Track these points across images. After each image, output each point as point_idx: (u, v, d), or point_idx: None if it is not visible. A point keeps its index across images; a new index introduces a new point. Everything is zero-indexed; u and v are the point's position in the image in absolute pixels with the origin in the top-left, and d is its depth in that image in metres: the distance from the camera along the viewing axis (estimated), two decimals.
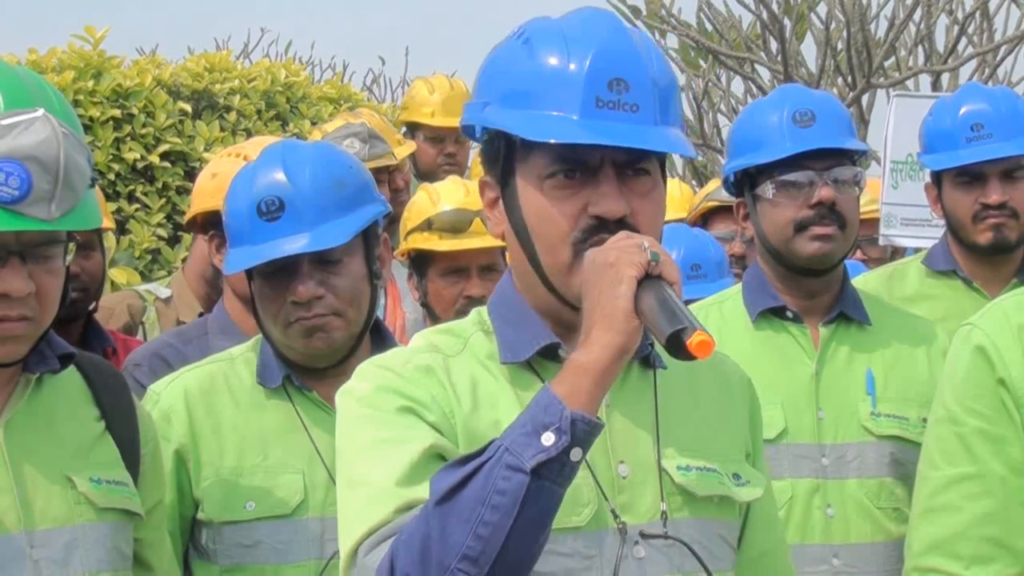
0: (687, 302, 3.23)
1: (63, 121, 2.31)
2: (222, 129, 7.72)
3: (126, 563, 2.53)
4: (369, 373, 2.16)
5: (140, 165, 7.38)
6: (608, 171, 2.10)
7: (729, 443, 2.27)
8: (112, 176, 7.26)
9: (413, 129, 6.08)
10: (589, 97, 2.08)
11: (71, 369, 2.55)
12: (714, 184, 5.65)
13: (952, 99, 4.01)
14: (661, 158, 2.17)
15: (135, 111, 7.37)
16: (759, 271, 3.46)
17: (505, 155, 2.16)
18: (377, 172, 4.19)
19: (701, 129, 12.53)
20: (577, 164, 2.10)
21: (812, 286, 3.41)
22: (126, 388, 2.64)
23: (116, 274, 5.97)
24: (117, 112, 7.31)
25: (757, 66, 12.81)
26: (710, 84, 13.24)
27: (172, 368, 3.35)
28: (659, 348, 2.20)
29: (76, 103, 7.00)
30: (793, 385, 3.34)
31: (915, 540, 2.33)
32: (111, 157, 7.25)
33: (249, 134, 7.73)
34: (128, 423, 2.59)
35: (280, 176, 2.98)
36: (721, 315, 3.46)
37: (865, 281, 3.93)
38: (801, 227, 3.33)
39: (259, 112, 8.05)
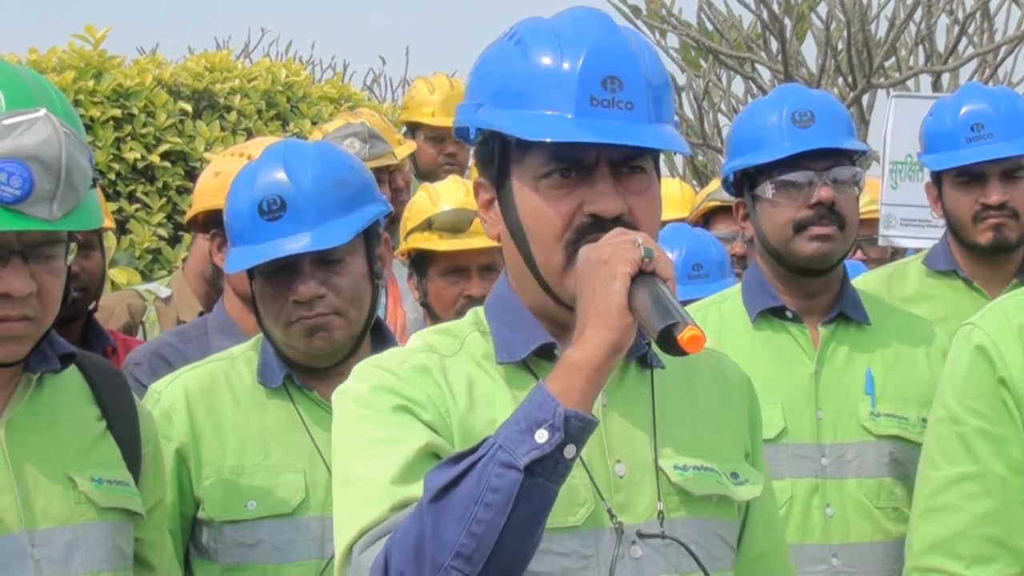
0: (688, 302, 3.22)
1: (65, 121, 2.31)
2: (222, 129, 7.72)
3: (127, 563, 2.53)
4: (365, 373, 2.16)
5: (140, 165, 7.38)
6: (604, 170, 2.10)
7: (727, 442, 2.27)
8: (112, 176, 7.27)
9: (413, 129, 6.08)
10: (583, 96, 2.08)
11: (72, 369, 2.55)
12: (716, 184, 5.64)
13: (952, 99, 4.01)
14: (655, 155, 2.17)
15: (135, 111, 7.38)
16: (758, 271, 3.47)
17: (500, 156, 2.16)
18: (377, 172, 4.19)
19: (701, 129, 12.52)
20: (572, 163, 2.10)
21: (811, 286, 3.41)
22: (127, 387, 2.64)
23: (116, 274, 5.98)
24: (117, 112, 7.31)
25: (757, 66, 12.80)
26: (710, 84, 13.24)
27: (172, 367, 3.35)
28: (656, 348, 2.20)
29: (76, 103, 7.00)
30: (792, 385, 3.34)
31: (916, 540, 2.33)
32: (111, 157, 7.25)
33: (249, 134, 7.73)
34: (129, 422, 2.59)
35: (281, 175, 2.98)
36: (720, 315, 3.46)
37: (865, 281, 3.94)
38: (800, 227, 3.33)
39: (259, 112, 8.05)
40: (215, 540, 2.93)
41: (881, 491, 3.30)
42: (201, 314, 4.15)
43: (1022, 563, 2.25)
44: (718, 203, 5.47)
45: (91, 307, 3.98)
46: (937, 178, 3.92)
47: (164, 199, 7.41)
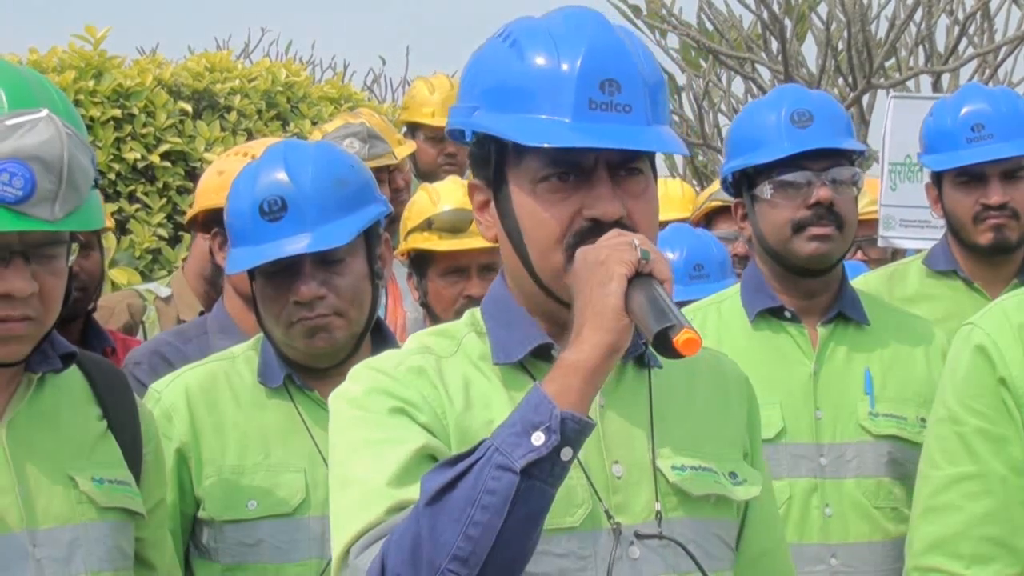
0: (689, 302, 3.23)
1: (67, 121, 2.31)
2: (223, 129, 7.72)
3: (127, 562, 2.54)
4: (361, 375, 2.15)
5: (141, 165, 7.39)
6: (602, 173, 2.09)
7: (726, 442, 2.27)
8: (113, 176, 7.27)
9: (413, 129, 6.08)
10: (582, 99, 2.07)
11: (73, 368, 2.55)
12: (718, 184, 5.65)
13: (953, 99, 4.01)
14: (652, 156, 2.17)
15: (136, 111, 7.38)
16: (757, 271, 3.47)
17: (496, 159, 2.15)
18: (377, 172, 4.19)
19: (701, 129, 12.52)
20: (571, 167, 2.09)
21: (810, 286, 3.41)
22: (128, 387, 2.64)
23: (116, 274, 5.98)
24: (118, 112, 7.32)
25: (758, 66, 12.80)
26: (711, 84, 13.23)
27: (172, 366, 3.36)
28: (653, 348, 2.20)
29: (77, 103, 7.00)
30: (791, 385, 3.35)
31: (916, 539, 2.34)
32: (112, 157, 7.25)
33: (250, 134, 7.74)
34: (130, 422, 2.59)
35: (282, 176, 2.98)
36: (719, 315, 3.46)
37: (866, 281, 3.94)
38: (799, 227, 3.33)
39: (260, 112, 8.05)
40: (216, 540, 2.93)
41: (880, 491, 3.30)
42: (201, 313, 4.15)
43: (1022, 563, 2.25)
44: (720, 203, 5.47)
45: (90, 307, 3.98)
46: (937, 178, 3.92)
47: (164, 199, 7.41)
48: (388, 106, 11.15)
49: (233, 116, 7.84)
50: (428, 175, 5.68)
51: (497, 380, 2.16)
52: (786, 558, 2.40)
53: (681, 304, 2.02)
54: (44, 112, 2.30)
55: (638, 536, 2.12)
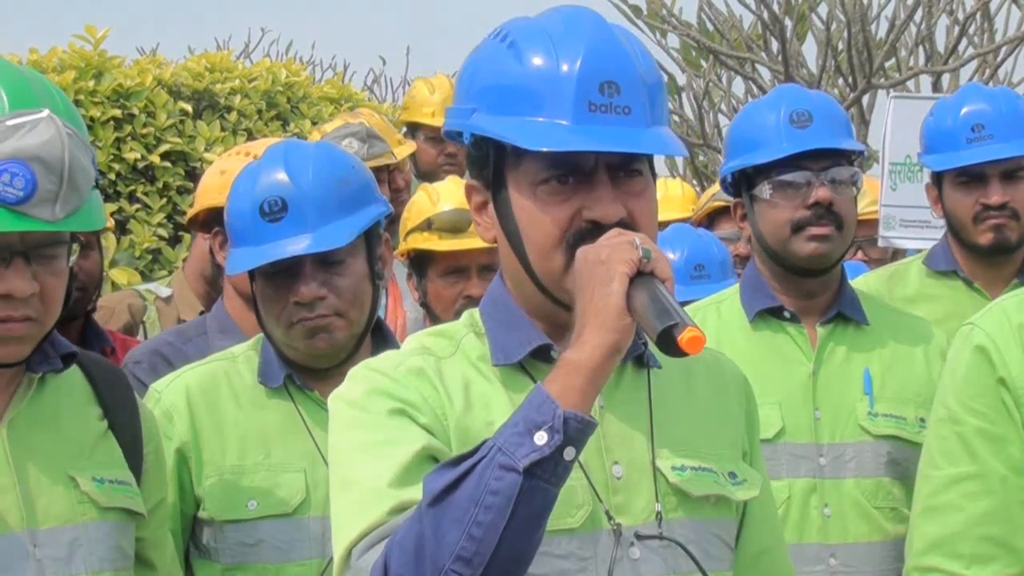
0: (690, 302, 3.22)
1: (67, 121, 2.32)
2: (223, 129, 7.73)
3: (128, 562, 2.54)
4: (360, 376, 2.15)
5: (141, 165, 7.39)
6: (602, 175, 2.09)
7: (725, 442, 2.27)
8: (113, 176, 7.27)
9: (414, 129, 6.08)
10: (581, 101, 2.06)
11: (74, 368, 2.55)
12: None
13: (953, 100, 4.01)
14: (651, 156, 2.16)
15: (136, 111, 7.38)
16: (756, 271, 3.47)
17: (495, 160, 2.14)
18: (376, 171, 4.19)
19: (702, 129, 12.51)
20: (570, 169, 2.08)
21: (810, 286, 3.41)
22: (129, 387, 2.64)
23: (116, 274, 5.99)
24: (118, 112, 7.32)
25: (758, 66, 12.79)
26: (711, 84, 13.23)
27: (172, 366, 3.36)
28: (653, 347, 2.20)
29: (77, 103, 7.01)
30: (790, 385, 3.35)
31: (916, 539, 2.34)
32: (112, 157, 7.26)
33: (250, 134, 7.74)
34: (131, 422, 2.59)
35: (283, 176, 2.98)
36: (719, 315, 3.46)
37: (866, 281, 3.94)
38: (798, 227, 3.34)
39: (260, 112, 8.06)
40: (216, 539, 2.93)
41: (879, 491, 3.30)
42: (202, 313, 4.15)
43: (1022, 563, 2.25)
44: (722, 203, 5.47)
45: (89, 307, 3.98)
46: (937, 178, 3.92)
47: (164, 199, 7.42)
48: (388, 106, 11.15)
49: (233, 116, 7.84)
50: (428, 175, 5.68)
51: (497, 381, 2.16)
52: (784, 556, 2.40)
53: (682, 304, 2.02)
54: (45, 112, 2.30)
55: (638, 537, 2.12)
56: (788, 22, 12.40)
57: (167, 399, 2.98)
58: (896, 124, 5.28)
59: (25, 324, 2.36)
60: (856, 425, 3.32)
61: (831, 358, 3.38)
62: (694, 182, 12.23)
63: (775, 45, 12.41)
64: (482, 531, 1.90)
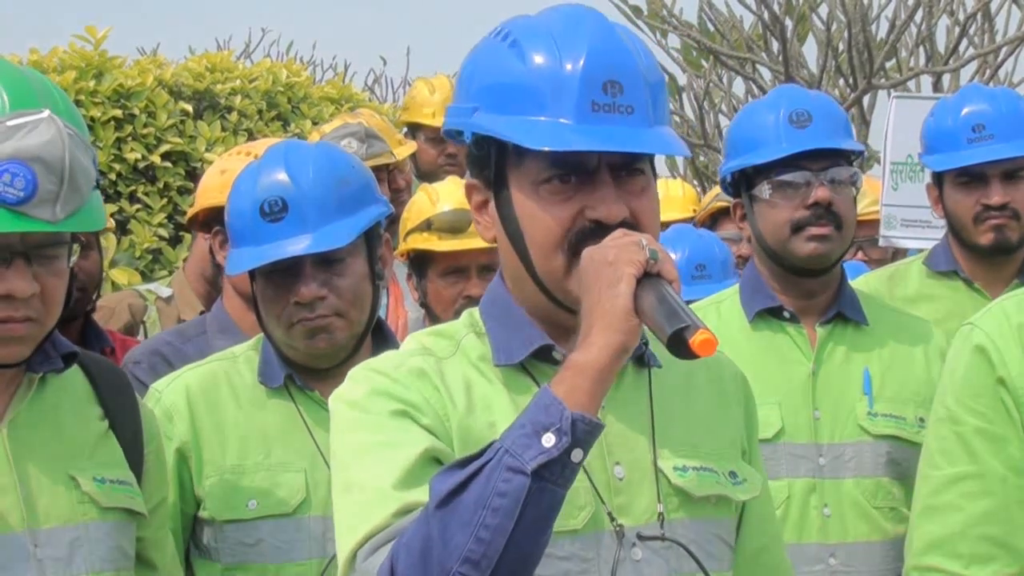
0: (690, 302, 3.23)
1: (68, 122, 2.32)
2: (223, 129, 7.73)
3: (129, 562, 2.54)
4: (361, 377, 2.14)
5: (141, 165, 7.40)
6: (605, 175, 2.08)
7: (725, 441, 2.26)
8: (113, 176, 7.28)
9: (414, 130, 6.08)
10: (584, 101, 2.05)
11: (74, 368, 2.55)
12: None
13: (953, 100, 4.01)
14: (652, 155, 2.16)
15: (136, 111, 7.39)
16: (756, 271, 3.47)
17: (496, 160, 2.13)
18: (376, 171, 4.20)
19: (702, 129, 12.51)
20: (573, 169, 2.08)
21: (809, 286, 3.41)
22: (130, 387, 2.64)
23: (117, 274, 5.99)
24: (118, 112, 7.32)
25: (758, 67, 12.79)
26: (711, 84, 13.22)
27: (172, 366, 3.36)
28: (653, 347, 2.19)
29: (78, 103, 7.01)
30: (790, 385, 3.35)
31: (915, 539, 2.34)
32: (112, 157, 7.26)
33: (250, 134, 7.74)
34: (132, 422, 2.60)
35: (283, 176, 2.98)
36: (718, 315, 3.46)
37: (866, 282, 3.94)
38: (798, 227, 3.34)
39: (260, 112, 8.06)
40: (216, 539, 2.94)
41: (878, 491, 3.30)
42: (202, 313, 4.15)
43: (1021, 563, 2.25)
44: (725, 204, 5.47)
45: (89, 307, 3.98)
46: (938, 179, 3.92)
47: (165, 199, 7.42)
48: (389, 106, 11.16)
49: (234, 116, 7.85)
50: (429, 176, 5.67)
51: (498, 382, 2.15)
52: (782, 553, 2.39)
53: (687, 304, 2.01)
54: (46, 113, 2.30)
55: (640, 538, 2.11)
56: (788, 22, 12.39)
57: (167, 399, 2.98)
58: (898, 124, 5.29)
59: (26, 324, 2.36)
60: (856, 425, 3.32)
61: (831, 358, 3.38)
62: (695, 182, 12.23)
63: (776, 45, 12.41)
64: (490, 533, 1.89)
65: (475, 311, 2.24)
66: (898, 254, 5.35)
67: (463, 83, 2.18)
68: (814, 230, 3.32)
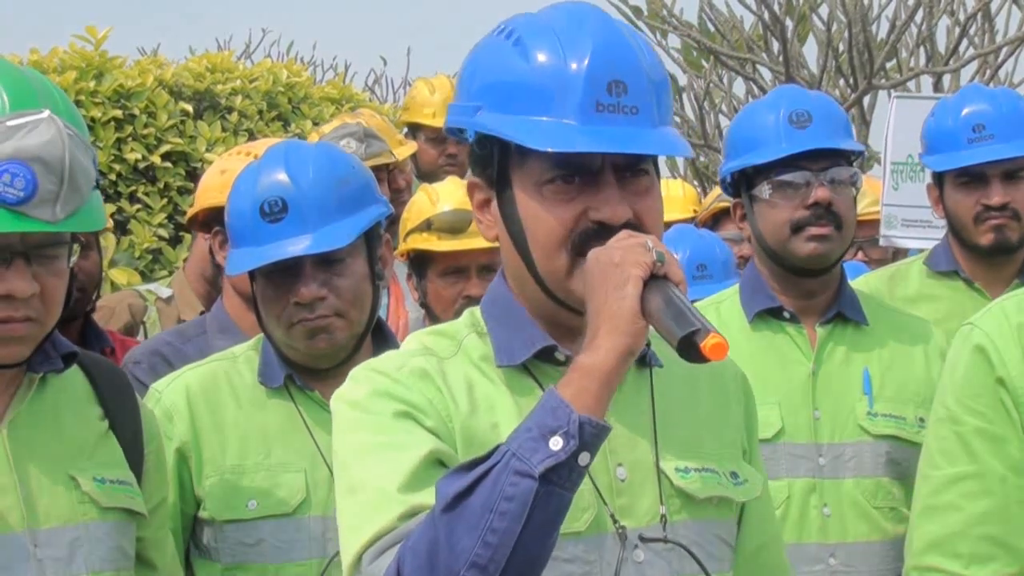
0: (692, 303, 3.21)
1: (68, 122, 2.32)
2: (224, 130, 7.73)
3: (129, 562, 2.54)
4: (363, 377, 2.12)
5: (142, 165, 7.40)
6: (609, 176, 2.07)
7: (726, 442, 2.26)
8: (113, 176, 7.28)
9: (414, 130, 6.09)
10: (589, 101, 2.04)
11: (74, 368, 2.55)
12: None
13: (954, 100, 4.01)
14: (655, 156, 2.15)
15: (137, 111, 7.39)
16: (756, 271, 3.47)
17: (499, 159, 2.12)
18: (376, 171, 4.20)
19: (703, 130, 12.51)
20: (576, 169, 2.06)
21: (809, 286, 3.41)
22: (130, 387, 2.64)
23: (117, 275, 5.99)
24: (119, 112, 7.32)
25: (759, 67, 12.79)
26: (712, 85, 13.22)
27: (171, 366, 3.36)
28: (654, 347, 2.19)
29: (78, 103, 7.01)
30: (790, 385, 3.35)
31: (915, 539, 2.33)
32: (112, 157, 7.26)
33: (251, 135, 7.75)
34: (132, 422, 2.60)
35: (283, 177, 2.98)
36: (718, 315, 3.46)
37: (866, 282, 3.94)
38: (797, 227, 3.34)
39: (261, 113, 8.06)
40: (216, 539, 2.94)
41: (878, 491, 3.31)
42: (202, 313, 4.15)
43: (1021, 562, 2.24)
44: (727, 204, 5.47)
45: (88, 307, 3.98)
46: (938, 179, 3.92)
47: (165, 200, 7.42)
48: (389, 107, 11.16)
49: (234, 117, 7.85)
50: (429, 176, 5.68)
51: (500, 383, 2.14)
52: (781, 551, 2.39)
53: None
54: (46, 113, 2.30)
55: (643, 539, 2.10)
56: (789, 23, 12.39)
57: (167, 399, 2.98)
58: (898, 123, 5.29)
59: (26, 324, 2.36)
60: (855, 425, 3.32)
61: (830, 358, 3.38)
62: (695, 183, 12.23)
63: (776, 46, 12.41)
64: (497, 537, 1.88)
65: (476, 310, 2.22)
66: (898, 254, 5.35)
67: (466, 81, 2.16)
68: (814, 230, 3.32)
